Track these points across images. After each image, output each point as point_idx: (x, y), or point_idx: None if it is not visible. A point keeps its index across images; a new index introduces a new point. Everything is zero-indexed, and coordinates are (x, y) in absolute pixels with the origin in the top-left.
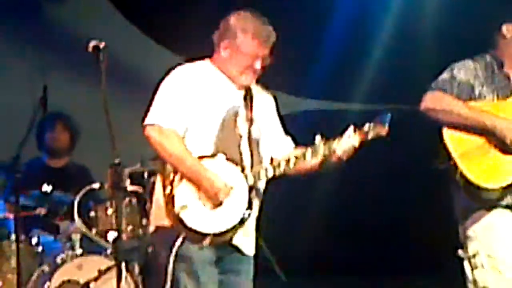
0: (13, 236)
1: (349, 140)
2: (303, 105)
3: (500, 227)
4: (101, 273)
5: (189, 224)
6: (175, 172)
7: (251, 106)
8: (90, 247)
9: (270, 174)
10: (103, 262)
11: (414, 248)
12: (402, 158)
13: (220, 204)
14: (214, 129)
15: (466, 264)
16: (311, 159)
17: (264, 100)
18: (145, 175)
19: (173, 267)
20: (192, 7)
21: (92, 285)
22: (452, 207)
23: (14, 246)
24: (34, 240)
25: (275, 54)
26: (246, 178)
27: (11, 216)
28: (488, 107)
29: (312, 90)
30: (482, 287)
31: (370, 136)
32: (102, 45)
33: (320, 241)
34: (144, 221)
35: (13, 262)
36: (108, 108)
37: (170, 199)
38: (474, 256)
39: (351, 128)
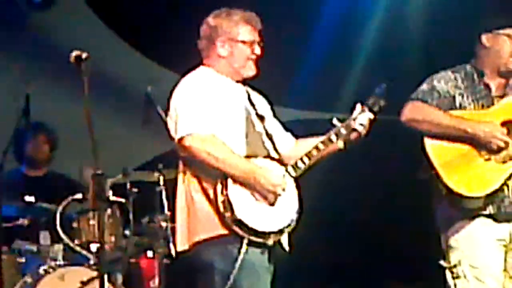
0: None
1: (364, 115)
2: (285, 115)
3: (482, 237)
4: (83, 284)
5: (253, 226)
6: (225, 178)
7: (253, 104)
8: (73, 258)
9: (306, 164)
10: (86, 273)
11: (396, 257)
12: (384, 168)
13: (276, 199)
14: (242, 130)
15: (448, 273)
16: (336, 141)
17: (258, 98)
18: (128, 185)
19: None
20: (176, 17)
21: None
22: (435, 216)
23: None
24: (16, 251)
25: (261, 63)
26: (288, 171)
27: None
28: (469, 117)
29: (293, 100)
30: None
31: (376, 109)
32: (84, 55)
33: (306, 247)
34: (127, 232)
35: None
36: (90, 118)
37: (227, 206)
38: (456, 265)
39: (359, 105)
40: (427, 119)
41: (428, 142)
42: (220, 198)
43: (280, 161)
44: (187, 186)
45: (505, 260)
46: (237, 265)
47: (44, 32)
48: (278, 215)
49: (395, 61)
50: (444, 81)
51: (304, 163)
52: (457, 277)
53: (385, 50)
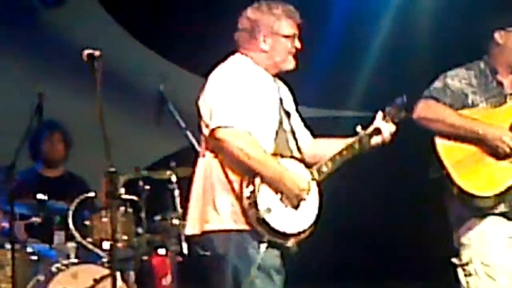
0: (8, 245)
1: (387, 126)
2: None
3: (494, 235)
4: (96, 282)
5: (275, 226)
6: (253, 175)
7: (282, 99)
8: (85, 256)
9: (329, 169)
10: (98, 271)
11: (409, 255)
12: (396, 167)
13: (301, 203)
14: (273, 127)
15: (460, 271)
16: (358, 148)
17: (285, 91)
18: (140, 183)
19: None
20: (188, 15)
21: None
22: (446, 215)
23: (9, 255)
24: (29, 249)
25: None
26: (313, 174)
27: (6, 225)
28: (481, 115)
29: (304, 97)
30: None
31: (396, 121)
32: (96, 53)
33: (315, 246)
34: (139, 230)
35: (8, 271)
36: (103, 116)
37: (252, 203)
38: (468, 263)
39: (380, 113)
40: (439, 118)
41: (439, 142)
42: (246, 194)
43: (305, 163)
44: (209, 173)
45: None
46: (256, 264)
47: (56, 30)
48: (299, 217)
49: (405, 60)
50: (457, 79)
51: (328, 167)
52: (469, 274)
53: (394, 49)
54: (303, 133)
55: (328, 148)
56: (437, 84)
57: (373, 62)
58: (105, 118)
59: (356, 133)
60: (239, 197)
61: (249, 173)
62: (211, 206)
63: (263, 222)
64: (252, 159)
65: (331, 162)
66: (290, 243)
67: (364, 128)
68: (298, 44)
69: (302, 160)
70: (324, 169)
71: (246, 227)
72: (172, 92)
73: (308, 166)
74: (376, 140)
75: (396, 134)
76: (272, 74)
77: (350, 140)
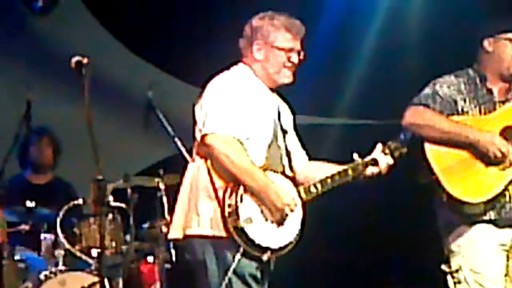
0: None
1: (385, 158)
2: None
3: (483, 242)
4: None
5: (253, 237)
6: (237, 184)
7: (280, 116)
8: (74, 263)
9: (318, 190)
10: (87, 278)
11: (397, 263)
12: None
13: (284, 219)
14: (266, 141)
15: (449, 278)
16: (351, 175)
17: (286, 109)
18: (129, 191)
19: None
20: (177, 22)
21: None
22: (435, 221)
23: None
24: (17, 257)
25: None
26: (299, 193)
27: None
28: (471, 122)
29: (294, 104)
30: None
31: (396, 155)
32: (85, 60)
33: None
34: (127, 237)
35: None
36: (91, 123)
37: (233, 211)
38: (457, 271)
39: (380, 145)
40: (429, 124)
41: (428, 147)
42: (228, 202)
43: (294, 181)
44: (196, 179)
45: (507, 265)
46: (230, 272)
47: (45, 37)
48: (279, 233)
49: (395, 67)
50: (446, 86)
51: (316, 188)
52: (459, 282)
53: (385, 56)
54: (298, 153)
55: (321, 172)
56: (427, 90)
57: (363, 69)
58: (94, 125)
59: (352, 160)
60: (221, 204)
61: (235, 182)
62: (194, 212)
63: (241, 231)
64: (237, 167)
65: (321, 184)
66: (266, 256)
67: (362, 157)
68: (295, 59)
69: (292, 178)
70: (313, 189)
71: (225, 234)
72: (161, 99)
73: (297, 185)
74: (371, 170)
75: (394, 167)
76: (269, 87)
77: (344, 167)
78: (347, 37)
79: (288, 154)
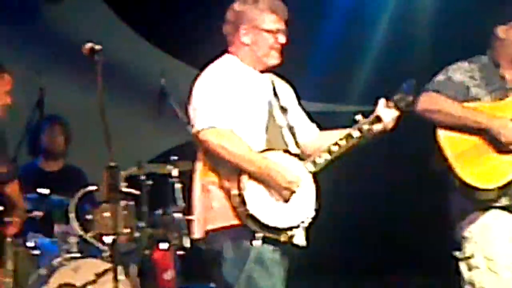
0: (9, 239)
1: (389, 112)
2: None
3: (496, 228)
4: (98, 276)
5: (266, 222)
6: (240, 173)
7: (277, 95)
8: (87, 250)
9: (326, 160)
10: (100, 265)
11: (411, 249)
12: (398, 159)
13: (291, 196)
14: (262, 124)
15: (462, 265)
16: (357, 138)
17: (285, 88)
18: (142, 177)
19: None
20: (189, 9)
21: None
22: (449, 208)
23: (10, 250)
24: (30, 244)
25: None
26: (306, 167)
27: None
28: (483, 108)
29: (304, 91)
30: None
31: (401, 105)
32: (97, 47)
33: (316, 241)
34: (141, 224)
35: (10, 266)
36: (104, 110)
37: (240, 201)
38: (470, 257)
39: (382, 100)
40: (442, 110)
41: (441, 133)
42: (234, 192)
43: (299, 156)
44: (204, 177)
45: None
46: (249, 259)
47: (57, 24)
48: (292, 211)
49: (406, 53)
50: (459, 72)
51: (324, 159)
52: (472, 268)
53: (395, 43)
54: (306, 128)
55: (330, 139)
56: (440, 77)
57: (374, 56)
58: (106, 112)
59: (356, 122)
60: (228, 196)
61: (237, 171)
62: (210, 208)
63: (253, 218)
64: (236, 156)
65: (327, 153)
66: (283, 237)
67: (365, 116)
68: (282, 40)
69: (296, 154)
70: (319, 160)
71: (239, 222)
72: (173, 86)
73: (304, 159)
74: (377, 127)
75: (399, 120)
76: (259, 70)
77: (349, 130)
78: (358, 25)
79: (291, 130)
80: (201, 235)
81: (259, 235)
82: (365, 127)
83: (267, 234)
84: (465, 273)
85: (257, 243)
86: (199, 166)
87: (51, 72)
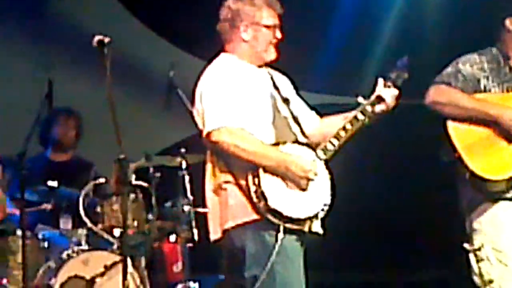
0: (19, 232)
1: (388, 91)
2: (308, 99)
3: (506, 220)
4: (107, 268)
5: (289, 214)
6: (256, 169)
7: (277, 87)
8: (96, 243)
9: (335, 146)
10: (109, 258)
11: (419, 241)
12: (408, 152)
13: (309, 184)
14: (269, 117)
15: (471, 257)
16: (364, 119)
17: (282, 79)
18: (151, 170)
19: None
20: (197, 1)
21: (98, 280)
22: (458, 199)
23: (20, 242)
24: (40, 236)
25: (281, 48)
26: (318, 155)
27: (17, 211)
28: (493, 100)
29: (313, 84)
30: (488, 279)
31: (399, 83)
32: (106, 39)
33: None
34: (150, 216)
35: (19, 258)
36: (113, 103)
37: (260, 196)
38: (479, 249)
39: (381, 80)
40: (452, 102)
41: (451, 125)
42: (253, 188)
43: (309, 145)
44: (217, 177)
45: None
46: (274, 253)
47: (66, 17)
48: (311, 200)
49: (413, 46)
50: (469, 64)
51: (333, 145)
52: (481, 260)
53: (406, 34)
54: (308, 116)
55: (335, 125)
56: (449, 69)
57: (381, 48)
58: (115, 104)
59: (358, 105)
60: (247, 193)
61: (252, 167)
62: (226, 207)
63: (275, 212)
64: (251, 153)
65: (336, 138)
66: (307, 226)
67: (366, 98)
68: (279, 35)
69: (306, 144)
70: (330, 147)
71: (258, 217)
72: (182, 79)
73: (314, 147)
74: (380, 107)
75: (400, 97)
76: (257, 65)
77: (353, 113)
78: (365, 17)
79: (296, 121)
80: (219, 235)
81: (282, 227)
82: (368, 108)
83: (290, 226)
84: (474, 265)
85: (281, 235)
86: (208, 167)
87: (60, 65)
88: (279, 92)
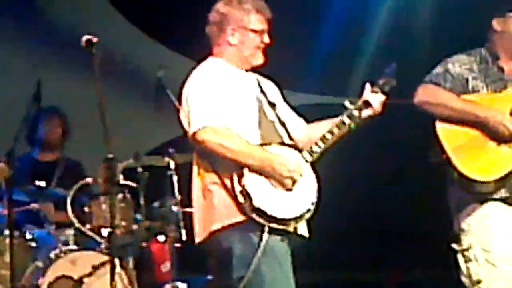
0: (6, 232)
1: (376, 96)
2: (298, 100)
3: (494, 220)
4: (95, 268)
5: (273, 214)
6: (241, 168)
7: (264, 92)
8: (84, 243)
9: (321, 148)
10: (97, 258)
11: (408, 242)
12: (396, 152)
13: (294, 185)
14: (254, 120)
15: (460, 257)
16: (350, 123)
17: (269, 85)
18: (139, 170)
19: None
20: (187, 1)
21: (86, 280)
22: (447, 200)
23: (7, 241)
24: (28, 236)
25: (273, 49)
26: (304, 156)
27: (5, 211)
28: (482, 100)
29: (308, 84)
30: (476, 280)
31: (387, 89)
32: (95, 39)
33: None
34: (138, 216)
35: (7, 257)
36: (102, 102)
37: (245, 196)
38: (468, 249)
39: (368, 85)
40: (440, 102)
41: (440, 126)
42: (238, 188)
43: (295, 147)
44: (203, 178)
45: None
46: (259, 253)
47: (54, 16)
48: (297, 200)
49: (406, 45)
50: (458, 64)
51: (319, 147)
52: (469, 260)
53: (396, 34)
54: (295, 122)
55: (321, 130)
56: (438, 69)
57: (375, 48)
58: (104, 104)
59: (345, 109)
60: (232, 193)
61: (237, 167)
62: (212, 209)
63: (260, 211)
64: (235, 152)
65: (322, 141)
66: (292, 227)
67: (353, 102)
68: (267, 40)
69: (292, 145)
70: (315, 149)
71: (244, 218)
72: (171, 79)
73: (300, 149)
74: (367, 112)
75: (386, 104)
76: (244, 69)
77: (339, 118)
78: (360, 18)
79: (283, 124)
80: (205, 237)
81: (267, 228)
82: (355, 113)
83: (275, 226)
84: (463, 265)
85: (265, 236)
86: (194, 168)
87: (48, 65)
88: (265, 97)
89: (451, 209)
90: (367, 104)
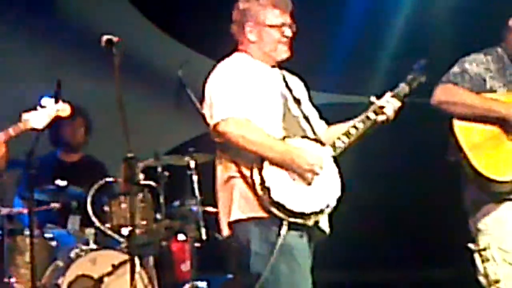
0: (27, 231)
1: (392, 103)
2: (319, 99)
3: (511, 220)
4: (115, 267)
5: (293, 208)
6: (261, 161)
7: (290, 87)
8: (104, 242)
9: (344, 144)
10: (117, 257)
11: (425, 241)
12: (414, 151)
13: (314, 178)
14: (278, 114)
15: (476, 257)
16: (374, 119)
17: (296, 82)
18: (159, 169)
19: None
20: (208, 1)
21: (106, 279)
22: (463, 199)
23: (28, 241)
24: (48, 235)
25: (294, 48)
26: (327, 151)
27: (26, 211)
28: (500, 99)
29: (327, 84)
30: (493, 280)
31: (414, 85)
32: (115, 39)
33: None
34: (158, 215)
35: (27, 257)
36: (122, 102)
37: (264, 189)
38: (485, 249)
39: (388, 93)
40: (460, 101)
41: (457, 124)
42: (257, 181)
43: (318, 141)
44: (226, 172)
45: None
46: (276, 249)
47: (75, 16)
48: (317, 195)
49: (426, 46)
50: (475, 64)
51: (343, 142)
52: (486, 260)
53: (416, 34)
54: (317, 122)
55: (340, 132)
56: (455, 69)
57: (393, 49)
58: (124, 103)
59: (371, 104)
60: (251, 186)
61: (258, 160)
62: (233, 201)
63: (278, 205)
64: (256, 144)
65: (346, 136)
66: (311, 222)
67: (379, 97)
68: (289, 33)
69: (315, 139)
70: (338, 143)
71: (264, 214)
72: (191, 78)
73: (323, 144)
74: (381, 118)
75: (401, 110)
76: (270, 65)
77: (364, 113)
78: (378, 18)
79: (307, 119)
80: (229, 232)
81: (286, 222)
82: (379, 110)
83: (294, 220)
84: (480, 265)
85: (284, 231)
86: (217, 163)
87: (69, 64)
88: (291, 92)
89: (467, 208)
90: (382, 109)
